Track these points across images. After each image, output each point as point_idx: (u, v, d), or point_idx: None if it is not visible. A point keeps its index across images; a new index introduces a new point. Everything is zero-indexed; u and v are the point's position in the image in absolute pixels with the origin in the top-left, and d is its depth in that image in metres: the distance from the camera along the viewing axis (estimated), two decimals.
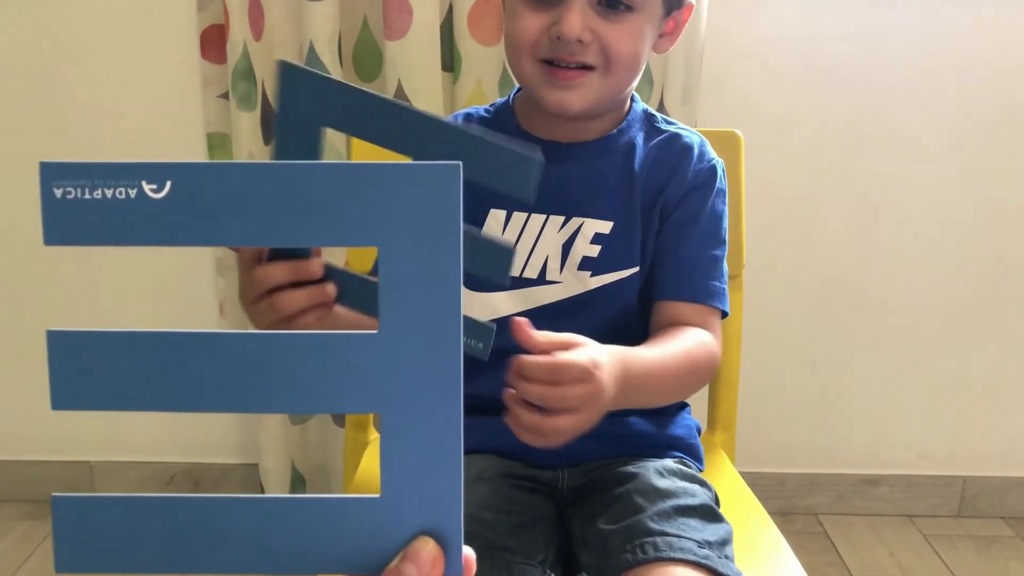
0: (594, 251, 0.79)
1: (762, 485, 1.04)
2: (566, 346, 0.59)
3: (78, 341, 0.27)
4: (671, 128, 0.84)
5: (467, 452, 0.78)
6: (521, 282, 0.79)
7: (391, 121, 0.38)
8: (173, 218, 0.27)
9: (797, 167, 1.46)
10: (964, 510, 1.61)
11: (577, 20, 0.72)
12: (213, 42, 1.39)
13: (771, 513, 0.86)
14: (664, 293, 0.80)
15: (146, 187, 0.27)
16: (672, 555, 0.63)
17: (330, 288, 0.55)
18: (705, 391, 1.03)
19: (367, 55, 1.36)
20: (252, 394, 0.27)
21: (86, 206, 0.27)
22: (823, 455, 1.60)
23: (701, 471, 0.84)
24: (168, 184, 0.27)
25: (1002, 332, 1.54)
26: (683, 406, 0.88)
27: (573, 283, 0.80)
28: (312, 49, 1.27)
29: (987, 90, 1.44)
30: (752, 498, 0.89)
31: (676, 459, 0.81)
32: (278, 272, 0.56)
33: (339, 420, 1.49)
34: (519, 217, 0.79)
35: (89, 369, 0.27)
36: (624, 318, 0.81)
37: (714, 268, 0.81)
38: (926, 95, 1.44)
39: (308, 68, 0.41)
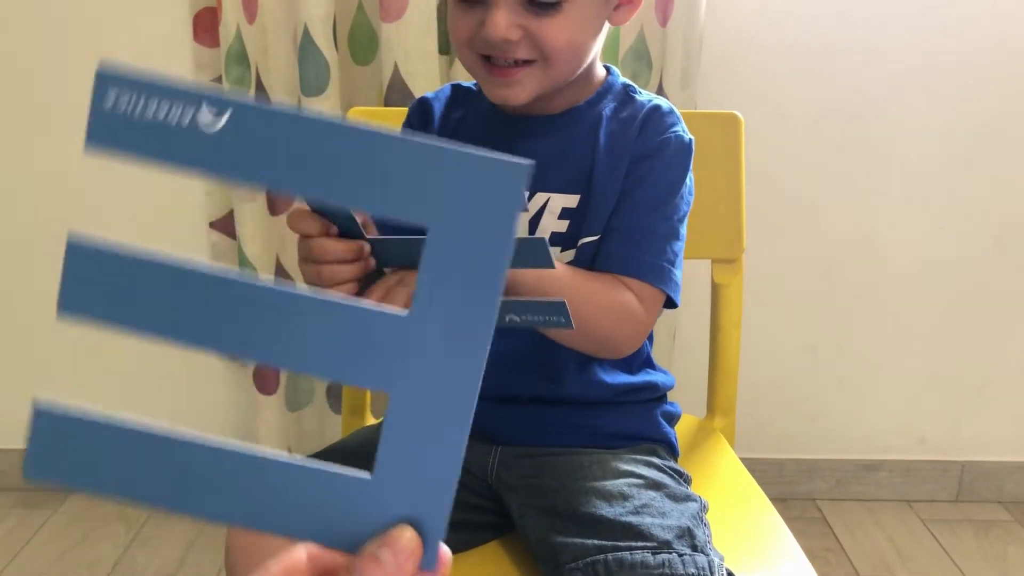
0: (562, 226, 0.77)
1: (760, 471, 1.04)
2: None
3: (99, 254, 0.26)
4: (645, 100, 0.80)
5: None
6: None
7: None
8: (222, 151, 0.26)
9: (797, 151, 1.45)
10: (962, 495, 1.61)
11: (502, 20, 0.69)
12: (205, 25, 1.37)
13: (769, 499, 0.86)
14: (597, 264, 0.75)
15: (203, 115, 0.26)
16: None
17: (372, 263, 0.65)
18: (704, 377, 1.02)
19: (363, 38, 1.35)
20: (265, 344, 0.27)
21: (135, 123, 0.26)
22: (822, 440, 1.59)
23: (677, 457, 0.84)
24: (226, 115, 0.26)
25: (1000, 316, 1.54)
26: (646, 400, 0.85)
27: None
28: (307, 32, 1.26)
29: (986, 76, 1.43)
30: (753, 484, 0.88)
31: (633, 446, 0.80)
32: (334, 250, 0.63)
33: (335, 407, 1.48)
34: None
35: (104, 284, 0.26)
36: None
37: (652, 242, 0.74)
38: (926, 79, 1.43)
39: None
